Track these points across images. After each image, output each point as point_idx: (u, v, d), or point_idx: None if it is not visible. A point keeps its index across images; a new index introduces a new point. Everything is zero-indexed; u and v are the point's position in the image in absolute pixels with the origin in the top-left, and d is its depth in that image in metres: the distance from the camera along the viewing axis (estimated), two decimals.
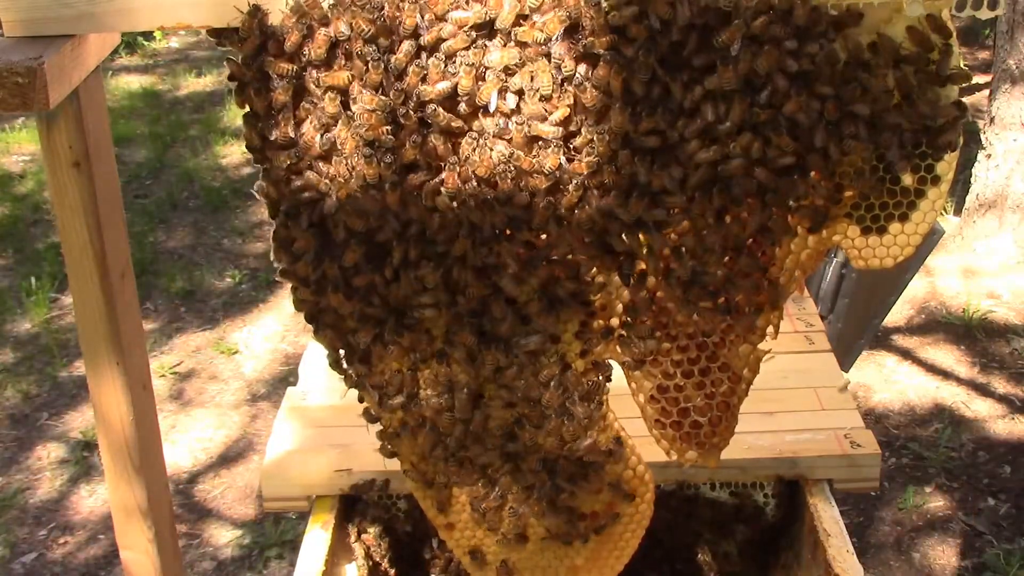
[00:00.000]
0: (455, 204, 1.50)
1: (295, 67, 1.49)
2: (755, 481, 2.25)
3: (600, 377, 1.70)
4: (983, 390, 4.54)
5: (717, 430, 1.73)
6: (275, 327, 5.25)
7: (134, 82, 8.55)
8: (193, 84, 8.56)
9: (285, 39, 1.48)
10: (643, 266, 1.59)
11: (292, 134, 1.52)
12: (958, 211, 5.77)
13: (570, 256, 1.57)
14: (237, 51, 1.51)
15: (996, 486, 4.03)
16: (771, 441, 2.23)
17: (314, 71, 1.48)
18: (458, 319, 1.60)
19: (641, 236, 1.54)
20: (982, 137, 5.49)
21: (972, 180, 5.54)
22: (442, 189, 1.49)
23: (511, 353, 1.63)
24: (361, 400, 1.77)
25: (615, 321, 1.68)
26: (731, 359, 1.68)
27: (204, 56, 9.20)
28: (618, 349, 1.69)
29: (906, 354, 4.81)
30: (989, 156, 5.39)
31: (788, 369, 2.47)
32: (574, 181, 1.49)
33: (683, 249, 1.55)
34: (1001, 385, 4.56)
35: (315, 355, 2.63)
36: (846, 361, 3.57)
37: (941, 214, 6.40)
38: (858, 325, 3.54)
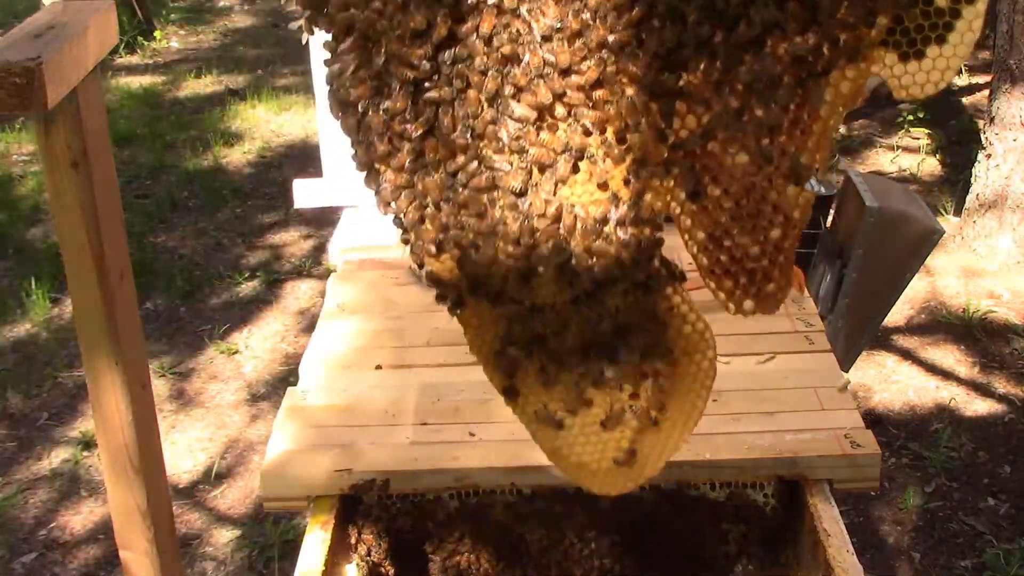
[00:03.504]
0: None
1: None
2: (755, 481, 2.25)
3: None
4: (983, 390, 4.54)
5: (772, 276, 1.69)
6: (275, 327, 5.25)
7: (134, 82, 8.55)
8: (193, 84, 8.57)
9: None
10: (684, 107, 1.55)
11: None
12: (958, 211, 5.77)
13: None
14: None
15: (996, 486, 4.02)
16: (771, 441, 2.23)
17: None
18: None
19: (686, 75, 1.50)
20: (982, 137, 5.48)
21: (972, 180, 5.53)
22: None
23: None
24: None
25: None
26: (780, 202, 1.65)
27: (204, 56, 9.21)
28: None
29: (906, 354, 4.81)
30: (989, 156, 5.39)
31: (788, 369, 2.47)
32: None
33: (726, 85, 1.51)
34: (1001, 385, 4.56)
35: (315, 355, 2.63)
36: (846, 361, 3.57)
37: (942, 213, 6.37)
38: (858, 325, 3.54)
